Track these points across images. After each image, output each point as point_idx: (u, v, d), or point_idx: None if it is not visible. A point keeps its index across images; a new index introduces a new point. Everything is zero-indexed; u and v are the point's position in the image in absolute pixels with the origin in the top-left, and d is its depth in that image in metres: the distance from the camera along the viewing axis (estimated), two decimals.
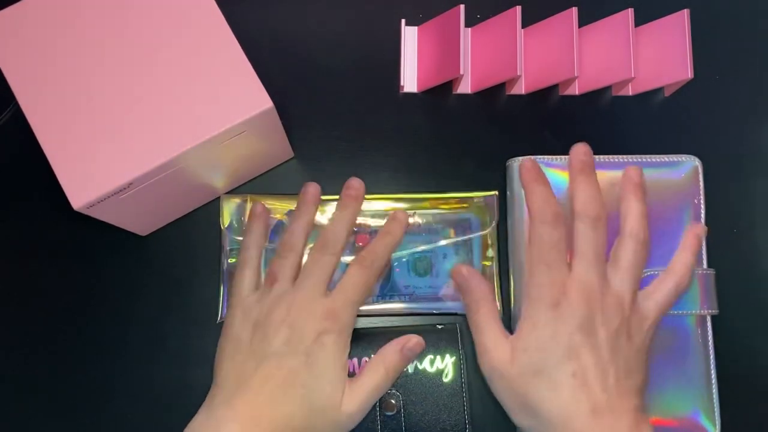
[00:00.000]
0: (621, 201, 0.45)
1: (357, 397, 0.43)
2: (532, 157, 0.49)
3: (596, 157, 0.50)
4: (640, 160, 0.50)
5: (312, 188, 0.48)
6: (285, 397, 0.42)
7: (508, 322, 0.50)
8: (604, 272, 0.43)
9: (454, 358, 0.48)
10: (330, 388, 0.43)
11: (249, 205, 0.50)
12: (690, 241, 0.46)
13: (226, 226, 0.50)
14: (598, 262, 0.43)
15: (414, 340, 0.46)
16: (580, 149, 0.46)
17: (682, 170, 0.50)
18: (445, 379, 0.48)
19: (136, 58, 0.42)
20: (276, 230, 0.50)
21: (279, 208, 0.51)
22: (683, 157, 0.51)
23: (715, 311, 0.48)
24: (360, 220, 0.50)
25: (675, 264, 0.45)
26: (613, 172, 0.49)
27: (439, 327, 0.49)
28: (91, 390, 0.50)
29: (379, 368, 0.45)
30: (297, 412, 0.42)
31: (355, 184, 0.48)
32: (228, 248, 0.50)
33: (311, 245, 0.47)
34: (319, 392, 0.42)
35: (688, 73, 0.50)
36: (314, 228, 0.49)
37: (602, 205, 0.44)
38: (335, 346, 0.43)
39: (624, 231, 0.45)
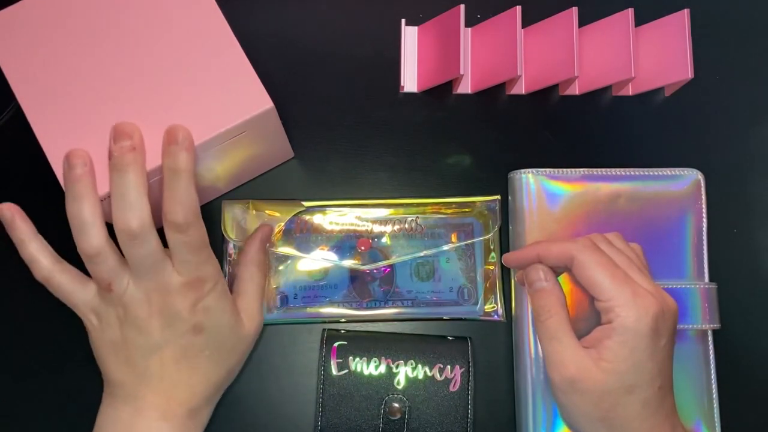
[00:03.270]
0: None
1: (251, 311, 0.46)
2: (535, 170, 0.50)
3: (597, 170, 0.50)
4: (641, 173, 0.50)
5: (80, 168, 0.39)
6: (192, 369, 0.42)
7: (510, 324, 0.50)
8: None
9: (463, 369, 0.48)
10: (229, 332, 0.44)
11: (251, 211, 0.50)
12: None
13: (227, 231, 0.50)
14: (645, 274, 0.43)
15: (267, 229, 0.49)
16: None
17: (684, 183, 0.50)
18: (452, 389, 0.47)
19: (136, 58, 0.42)
20: (284, 236, 0.50)
21: (277, 216, 0.51)
22: (685, 171, 0.51)
23: (717, 326, 0.48)
24: (363, 226, 0.50)
25: None
26: (614, 184, 0.50)
27: (450, 338, 0.49)
28: (90, 390, 0.50)
29: (253, 272, 0.48)
30: (211, 371, 0.43)
31: (127, 129, 0.39)
32: (230, 253, 0.50)
33: None
34: (221, 343, 0.44)
35: (688, 73, 0.50)
36: (313, 234, 0.49)
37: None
38: (216, 302, 0.43)
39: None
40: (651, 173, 0.50)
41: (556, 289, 0.44)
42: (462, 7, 0.51)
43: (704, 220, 0.50)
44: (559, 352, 0.42)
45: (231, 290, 0.47)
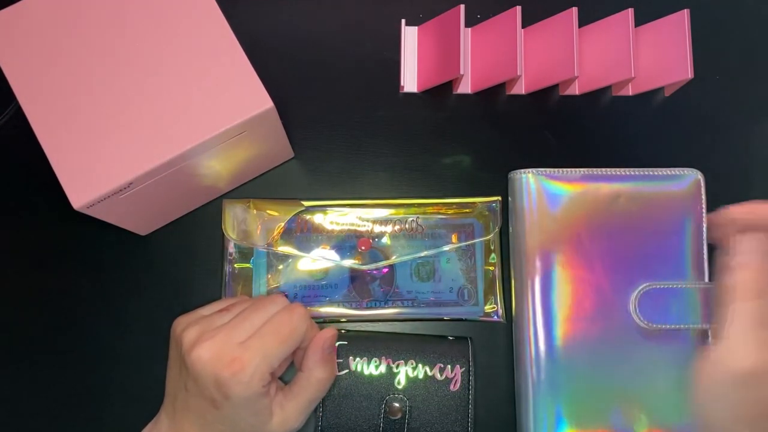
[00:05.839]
0: None
1: (289, 417, 0.42)
2: (535, 170, 0.50)
3: (597, 170, 0.50)
4: (641, 173, 0.50)
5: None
6: (207, 429, 0.41)
7: (510, 325, 0.50)
8: None
9: (463, 369, 0.48)
10: (250, 429, 0.41)
11: (252, 210, 0.50)
12: None
13: (227, 231, 0.50)
14: None
15: (328, 338, 0.43)
16: None
17: (684, 183, 0.50)
18: (453, 388, 0.47)
19: (136, 57, 0.42)
20: (285, 236, 0.50)
21: (277, 215, 0.51)
22: (685, 171, 0.50)
23: None
24: (363, 226, 0.50)
25: None
26: (614, 184, 0.50)
27: (450, 338, 0.49)
28: (91, 390, 0.50)
29: (314, 382, 0.43)
30: None
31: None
32: (231, 252, 0.50)
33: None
34: (239, 429, 0.41)
35: (688, 73, 0.50)
36: (313, 233, 0.49)
37: None
38: (240, 398, 0.39)
39: None
40: (651, 173, 0.50)
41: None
42: (462, 7, 0.51)
43: (704, 220, 0.50)
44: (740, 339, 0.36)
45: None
